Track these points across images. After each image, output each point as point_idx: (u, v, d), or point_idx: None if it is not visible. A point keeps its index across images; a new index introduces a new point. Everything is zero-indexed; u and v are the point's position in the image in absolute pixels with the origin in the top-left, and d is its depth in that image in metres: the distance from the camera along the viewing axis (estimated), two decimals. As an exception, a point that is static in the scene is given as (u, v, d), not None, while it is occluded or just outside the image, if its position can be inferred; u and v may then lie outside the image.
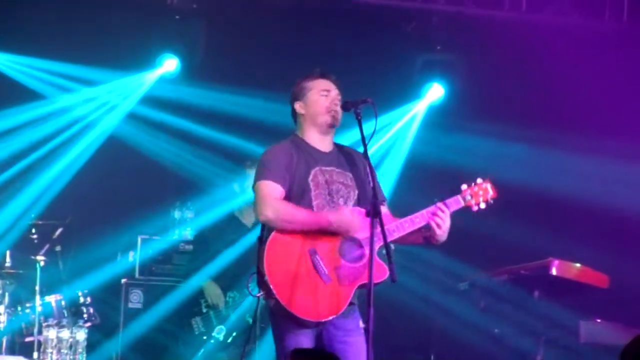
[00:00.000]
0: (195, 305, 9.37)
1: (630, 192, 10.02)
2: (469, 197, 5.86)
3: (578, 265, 8.62)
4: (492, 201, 5.89)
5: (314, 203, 5.68)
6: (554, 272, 8.51)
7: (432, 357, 10.34)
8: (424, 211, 5.74)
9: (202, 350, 9.29)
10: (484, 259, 9.57)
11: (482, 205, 5.88)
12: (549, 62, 10.36)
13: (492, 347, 9.24)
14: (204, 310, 9.35)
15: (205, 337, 9.31)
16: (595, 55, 10.19)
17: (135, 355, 9.76)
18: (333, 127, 5.86)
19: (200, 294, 9.33)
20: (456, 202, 5.82)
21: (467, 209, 5.85)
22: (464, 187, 5.88)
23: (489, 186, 5.92)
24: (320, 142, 5.86)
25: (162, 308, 9.80)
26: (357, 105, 5.70)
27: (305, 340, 5.54)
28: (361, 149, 5.66)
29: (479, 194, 5.88)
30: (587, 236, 9.88)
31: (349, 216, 5.57)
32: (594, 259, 8.85)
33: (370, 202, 5.43)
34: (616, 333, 8.53)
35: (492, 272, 9.25)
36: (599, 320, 8.82)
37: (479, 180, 5.92)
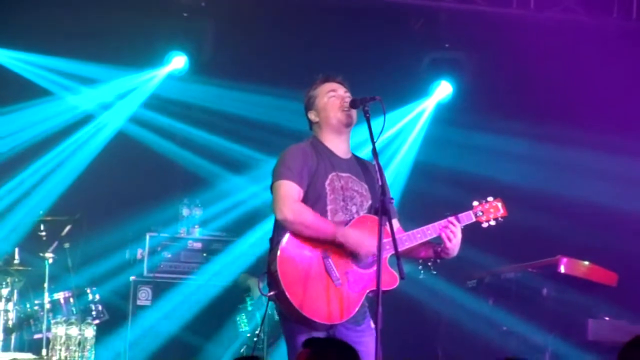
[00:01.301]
0: (241, 302, 9.41)
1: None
2: (480, 213, 5.88)
3: (586, 263, 8.62)
4: (501, 219, 5.91)
5: (328, 207, 5.67)
6: (562, 269, 8.52)
7: (439, 353, 10.33)
8: (435, 224, 5.74)
9: (244, 347, 9.32)
10: (494, 255, 9.58)
11: (492, 223, 5.91)
12: (557, 59, 10.36)
13: (501, 344, 9.23)
14: (250, 309, 9.38)
15: (248, 335, 9.35)
16: (604, 53, 10.18)
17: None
18: (348, 125, 5.82)
19: (245, 291, 9.37)
20: (467, 217, 5.84)
21: (477, 224, 5.88)
22: (475, 203, 5.91)
23: (499, 205, 5.94)
24: (338, 146, 5.84)
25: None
26: (365, 102, 5.68)
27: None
28: (370, 147, 5.64)
29: (490, 211, 5.91)
30: (596, 233, 9.87)
31: (361, 240, 5.55)
32: (603, 256, 8.85)
33: (378, 200, 5.41)
34: (624, 331, 8.52)
35: (501, 269, 9.25)
36: (607, 318, 8.81)
37: (490, 198, 5.94)
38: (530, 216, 9.79)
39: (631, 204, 9.92)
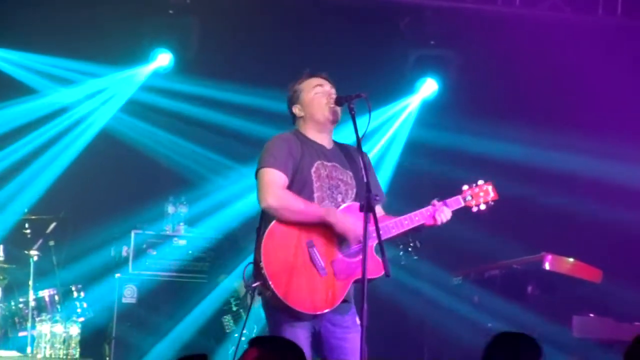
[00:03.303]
0: (225, 304, 9.38)
1: (623, 187, 10.03)
2: (469, 198, 5.84)
3: (571, 259, 8.63)
4: (492, 203, 5.86)
5: (315, 195, 5.67)
6: (547, 266, 8.52)
7: (425, 351, 10.34)
8: (423, 210, 5.73)
9: (232, 349, 9.29)
10: (476, 254, 9.59)
11: (483, 207, 5.85)
12: (542, 57, 10.37)
13: (486, 342, 9.22)
14: (234, 309, 9.35)
15: (236, 335, 9.32)
16: (589, 50, 10.19)
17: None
18: (334, 122, 5.84)
19: (230, 293, 9.35)
20: (456, 202, 5.81)
21: (466, 209, 5.84)
22: (464, 187, 5.86)
23: (490, 188, 5.89)
24: (322, 139, 5.85)
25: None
26: (350, 100, 5.69)
27: (301, 332, 5.53)
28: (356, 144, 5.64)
29: (480, 195, 5.86)
30: (581, 231, 9.90)
31: (350, 224, 5.55)
32: (588, 253, 8.86)
33: (364, 197, 5.41)
34: (609, 328, 8.55)
35: (485, 266, 9.26)
36: (592, 315, 8.82)
37: (480, 182, 5.89)
38: (515, 213, 9.81)
39: (616, 201, 9.95)
